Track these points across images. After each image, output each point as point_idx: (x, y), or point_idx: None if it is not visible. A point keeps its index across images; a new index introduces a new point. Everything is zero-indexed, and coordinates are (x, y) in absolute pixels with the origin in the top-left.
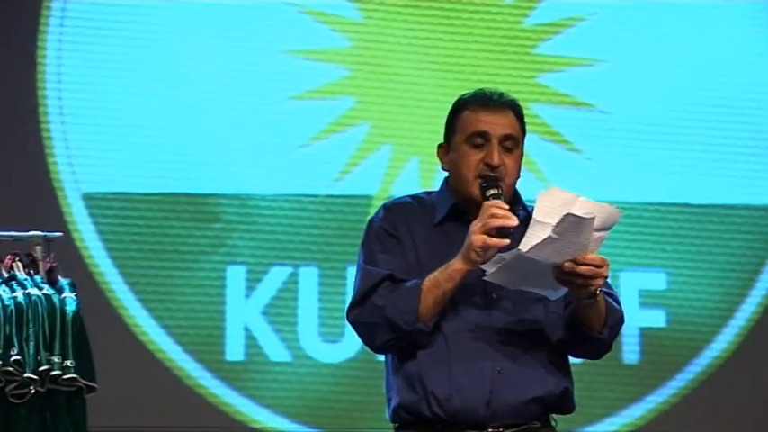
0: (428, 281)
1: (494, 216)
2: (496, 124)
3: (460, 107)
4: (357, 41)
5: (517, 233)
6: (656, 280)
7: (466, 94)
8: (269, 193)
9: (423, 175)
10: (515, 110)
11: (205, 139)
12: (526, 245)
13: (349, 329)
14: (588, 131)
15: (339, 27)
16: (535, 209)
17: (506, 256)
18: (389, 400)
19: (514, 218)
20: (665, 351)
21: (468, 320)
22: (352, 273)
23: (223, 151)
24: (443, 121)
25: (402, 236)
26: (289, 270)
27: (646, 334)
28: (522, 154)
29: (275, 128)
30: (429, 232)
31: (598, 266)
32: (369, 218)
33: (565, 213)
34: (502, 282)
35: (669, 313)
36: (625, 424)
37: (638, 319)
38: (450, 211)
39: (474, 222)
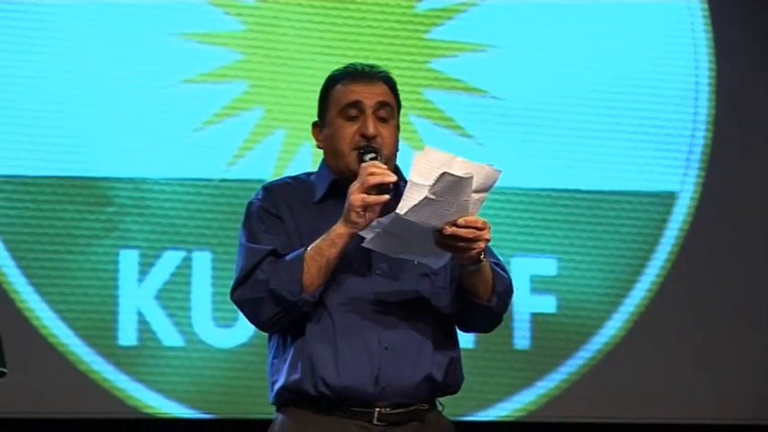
0: (311, 249)
1: (371, 174)
2: (369, 93)
3: (332, 82)
4: (251, 25)
5: (396, 201)
6: (547, 266)
7: (336, 70)
8: (162, 176)
9: (315, 159)
10: (388, 81)
11: (98, 123)
12: (403, 207)
13: (242, 315)
14: (480, 117)
15: (233, 10)
16: (411, 169)
17: (384, 220)
18: (273, 383)
19: (392, 174)
20: (555, 336)
21: (352, 297)
22: None
23: (116, 134)
24: None
25: (283, 215)
26: (182, 254)
27: (536, 319)
28: (398, 126)
29: (168, 111)
30: (310, 210)
31: (479, 229)
32: (248, 200)
33: (441, 173)
34: (382, 249)
35: (560, 299)
36: (516, 409)
37: (529, 304)
38: (330, 187)
39: (352, 184)
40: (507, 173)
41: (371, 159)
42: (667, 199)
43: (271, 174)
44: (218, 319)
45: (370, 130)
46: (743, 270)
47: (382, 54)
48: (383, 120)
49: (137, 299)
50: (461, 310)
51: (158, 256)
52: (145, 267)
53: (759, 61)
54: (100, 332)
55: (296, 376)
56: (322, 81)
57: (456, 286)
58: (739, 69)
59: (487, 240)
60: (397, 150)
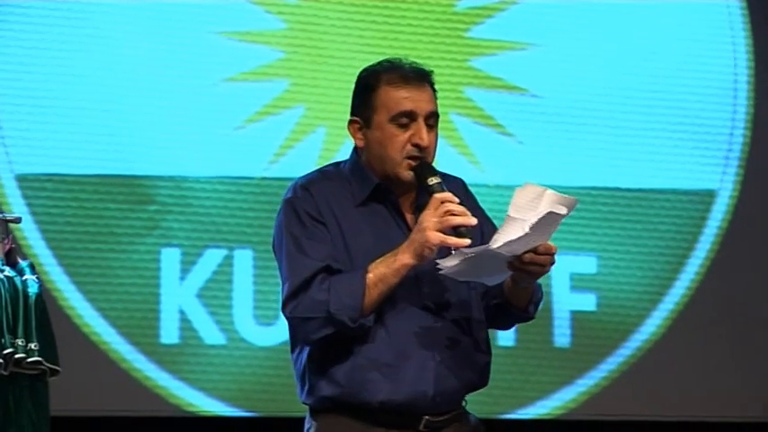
0: (373, 275)
1: (450, 213)
2: (421, 101)
3: (377, 81)
4: (292, 23)
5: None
6: (587, 264)
7: (372, 66)
8: (204, 175)
9: None
10: (431, 82)
11: (140, 121)
12: (498, 241)
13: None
14: (521, 115)
15: (274, 9)
16: (511, 204)
17: (469, 252)
18: (311, 388)
19: (473, 217)
20: (595, 334)
21: (402, 309)
22: None
23: (158, 133)
24: None
25: (326, 219)
26: (223, 252)
27: (576, 317)
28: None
29: (210, 110)
30: (352, 214)
31: (552, 254)
32: (284, 197)
33: (547, 212)
34: (453, 274)
35: (599, 297)
36: (556, 407)
37: (569, 302)
38: (373, 191)
39: (425, 216)
40: (546, 171)
41: (437, 183)
42: (706, 197)
43: None
44: (260, 317)
45: (425, 141)
46: None
47: (422, 52)
48: (430, 127)
49: (178, 297)
50: (497, 316)
51: (200, 255)
52: (186, 265)
53: None
54: (142, 330)
55: (345, 389)
56: None
57: (497, 297)
58: None
59: (554, 263)
60: (435, 153)
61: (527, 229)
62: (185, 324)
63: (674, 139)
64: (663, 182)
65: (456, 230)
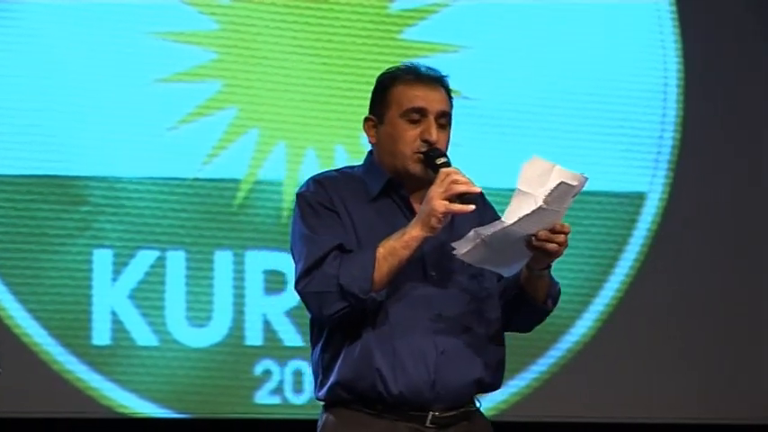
0: (383, 248)
1: (455, 182)
2: (433, 100)
3: (392, 80)
4: (225, 24)
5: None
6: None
7: (392, 68)
8: (136, 175)
9: (290, 159)
10: (445, 85)
11: (72, 121)
12: (511, 216)
13: (216, 314)
14: (454, 118)
15: (207, 9)
16: (519, 178)
17: (484, 231)
18: (324, 379)
19: (477, 186)
20: (525, 335)
21: (409, 299)
22: (219, 257)
23: (91, 133)
24: (310, 104)
25: (338, 209)
26: (156, 254)
27: None
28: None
29: (143, 110)
30: (364, 208)
31: (566, 233)
32: (297, 191)
33: (559, 182)
34: (473, 260)
35: None
36: (487, 408)
37: None
38: (385, 186)
39: (432, 188)
40: (479, 173)
41: (444, 164)
42: (636, 199)
43: (245, 173)
44: (192, 318)
45: (434, 136)
46: (710, 270)
47: (356, 54)
48: (441, 126)
49: (110, 298)
50: (516, 311)
51: (132, 256)
52: (119, 267)
53: (726, 62)
54: (74, 332)
55: (353, 375)
56: (295, 80)
57: (512, 288)
58: (707, 71)
59: (566, 246)
60: None
61: (540, 203)
62: (117, 325)
63: (604, 142)
64: (593, 184)
65: (461, 198)
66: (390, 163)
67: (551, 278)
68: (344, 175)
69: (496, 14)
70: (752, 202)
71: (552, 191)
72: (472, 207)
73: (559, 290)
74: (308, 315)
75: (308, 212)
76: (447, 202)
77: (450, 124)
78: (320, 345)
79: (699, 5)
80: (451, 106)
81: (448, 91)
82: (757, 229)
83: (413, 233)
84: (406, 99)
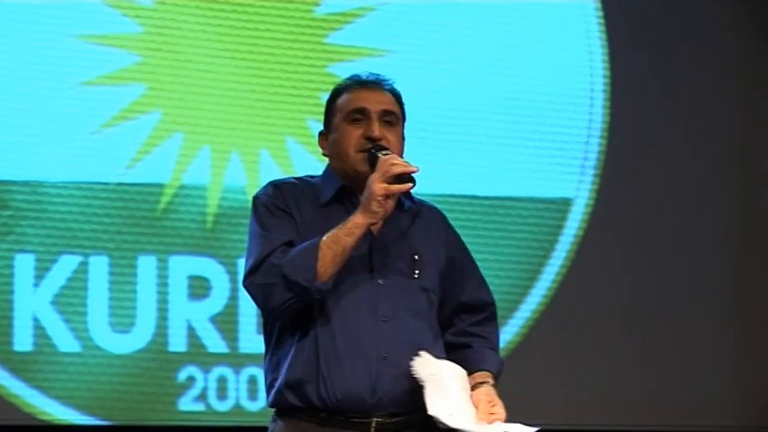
0: (327, 237)
1: (393, 164)
2: (375, 101)
3: (338, 92)
4: (149, 27)
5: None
6: None
7: (343, 80)
8: (59, 180)
9: (214, 163)
10: (393, 92)
11: None
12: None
13: (140, 320)
14: None
15: (131, 12)
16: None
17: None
18: (273, 382)
19: (414, 165)
20: None
21: (352, 307)
22: (143, 262)
23: (13, 137)
24: (235, 108)
25: (293, 212)
26: (79, 259)
27: None
28: (403, 135)
29: (66, 113)
30: (315, 212)
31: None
32: (253, 195)
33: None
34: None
35: None
36: None
37: None
38: (338, 192)
39: (372, 175)
40: None
41: (384, 154)
42: (562, 205)
43: (169, 177)
44: (115, 324)
45: (376, 132)
46: (636, 276)
47: (281, 58)
48: (389, 124)
49: (32, 304)
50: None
51: (54, 261)
52: (41, 272)
53: (652, 69)
54: None
55: (299, 376)
56: (220, 84)
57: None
58: (633, 77)
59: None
60: (401, 156)
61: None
62: (39, 331)
63: (530, 147)
64: (519, 190)
65: (399, 179)
66: (341, 168)
67: (494, 362)
68: (302, 181)
69: (422, 18)
70: (677, 207)
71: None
72: (410, 185)
73: (501, 364)
74: (237, 322)
75: (263, 213)
76: (385, 185)
77: (399, 123)
78: (270, 349)
79: (625, 9)
80: (400, 106)
81: (397, 96)
82: (683, 234)
83: (356, 220)
84: (347, 103)
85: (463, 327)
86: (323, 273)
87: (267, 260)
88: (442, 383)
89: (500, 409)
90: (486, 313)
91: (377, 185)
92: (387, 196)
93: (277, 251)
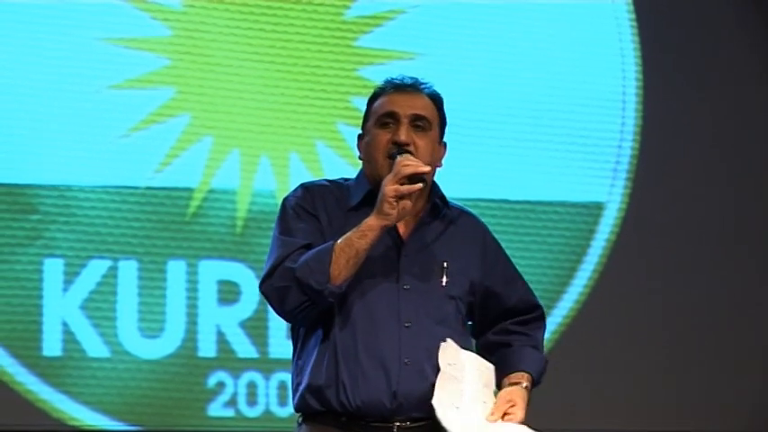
0: (341, 240)
1: (405, 165)
2: (405, 104)
3: (375, 95)
4: (178, 30)
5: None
6: None
7: (381, 84)
8: (88, 184)
9: (244, 167)
10: (431, 94)
11: (22, 128)
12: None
13: (169, 325)
14: None
15: (159, 15)
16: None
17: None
18: (297, 386)
19: (425, 165)
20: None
21: (377, 309)
22: (172, 266)
23: (41, 141)
24: (264, 112)
25: (319, 214)
26: (108, 263)
27: None
28: (440, 141)
29: (94, 117)
30: (344, 216)
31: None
32: (283, 197)
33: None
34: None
35: None
36: None
37: None
38: (366, 196)
39: (386, 179)
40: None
41: (400, 153)
42: (595, 209)
43: (198, 181)
44: (144, 329)
45: (402, 136)
46: (670, 280)
47: (310, 61)
48: (420, 128)
49: (61, 309)
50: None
51: (83, 266)
52: (70, 276)
53: (685, 71)
54: (23, 343)
55: (320, 381)
56: (249, 87)
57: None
58: (666, 80)
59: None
60: (436, 165)
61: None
62: (68, 336)
63: (562, 151)
64: (551, 194)
65: (411, 179)
66: (370, 173)
67: (538, 360)
68: (334, 184)
69: (452, 21)
70: (710, 211)
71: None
72: (419, 186)
73: (545, 366)
74: (266, 327)
75: (288, 215)
76: (397, 185)
77: (432, 129)
78: (296, 353)
79: (658, 10)
80: (438, 110)
81: (435, 100)
82: (716, 238)
83: (369, 222)
84: (380, 107)
85: (505, 325)
86: (336, 276)
87: (282, 264)
88: (460, 375)
89: (517, 411)
90: (532, 314)
91: (388, 187)
92: (398, 197)
93: (294, 254)
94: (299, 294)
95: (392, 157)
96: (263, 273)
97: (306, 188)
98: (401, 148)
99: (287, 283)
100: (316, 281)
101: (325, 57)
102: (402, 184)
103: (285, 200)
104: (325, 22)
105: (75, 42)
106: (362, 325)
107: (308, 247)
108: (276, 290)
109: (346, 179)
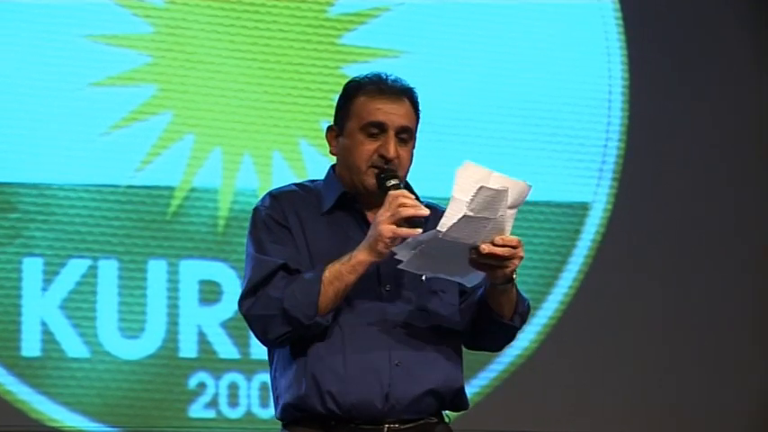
0: (329, 272)
1: (403, 205)
2: (394, 114)
3: (354, 90)
4: (160, 27)
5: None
6: None
7: (358, 77)
8: (68, 182)
9: (226, 165)
10: (411, 98)
11: (1, 126)
12: (444, 224)
13: (150, 325)
14: None
15: (141, 12)
16: (454, 185)
17: (423, 238)
18: (277, 398)
19: (425, 208)
20: (467, 350)
21: (362, 314)
22: (153, 266)
23: (20, 139)
24: (247, 110)
25: (291, 224)
26: (88, 263)
27: None
28: (414, 145)
29: (75, 115)
30: (317, 221)
31: (514, 247)
32: (254, 206)
33: (479, 187)
34: (417, 269)
35: None
36: None
37: None
38: (339, 199)
39: (380, 213)
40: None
41: (395, 186)
42: (580, 209)
43: (180, 180)
44: (125, 329)
45: (391, 152)
46: (655, 281)
47: (294, 59)
48: (402, 141)
49: (40, 308)
50: (482, 328)
51: (63, 265)
52: (49, 276)
53: (672, 70)
54: (2, 343)
55: (301, 392)
56: (231, 85)
57: (479, 303)
58: (652, 79)
59: (521, 258)
60: (409, 167)
61: (466, 211)
62: (47, 336)
63: (547, 150)
64: (536, 194)
65: (409, 222)
66: (347, 176)
67: (518, 294)
68: (302, 188)
69: (437, 19)
70: (696, 211)
71: (474, 197)
72: (419, 231)
73: (529, 306)
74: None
75: (260, 228)
76: (394, 227)
77: (413, 138)
78: (274, 362)
79: (644, 10)
80: (416, 120)
81: (414, 103)
82: (702, 238)
83: (359, 257)
84: (366, 112)
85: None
86: (323, 308)
87: (265, 289)
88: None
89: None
90: None
91: (385, 227)
92: (394, 239)
93: (275, 279)
94: (283, 325)
95: (381, 175)
96: (241, 291)
97: (274, 197)
98: (388, 169)
99: (272, 312)
100: (304, 315)
101: (308, 54)
102: (399, 225)
103: (255, 210)
104: (308, 19)
105: (56, 39)
106: (349, 329)
107: (285, 267)
108: (260, 318)
109: (313, 181)
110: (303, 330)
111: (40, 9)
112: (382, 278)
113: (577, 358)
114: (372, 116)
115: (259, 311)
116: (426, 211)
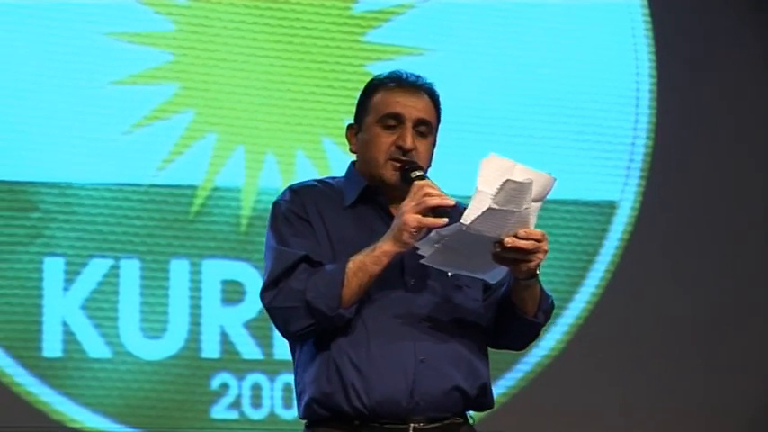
0: (353, 263)
1: (428, 195)
2: (411, 107)
3: (374, 88)
4: (182, 25)
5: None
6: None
7: (380, 75)
8: (89, 181)
9: (248, 164)
10: (431, 94)
11: (23, 125)
12: (468, 217)
13: (172, 325)
14: None
15: (163, 9)
16: (478, 177)
17: (445, 232)
18: (300, 394)
19: (450, 198)
20: (493, 349)
21: (386, 306)
22: (175, 266)
23: (42, 137)
24: (270, 108)
25: (312, 218)
26: (109, 262)
27: None
28: (435, 142)
29: (96, 113)
30: (339, 215)
31: (538, 240)
32: (274, 200)
33: (504, 180)
34: (440, 264)
35: None
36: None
37: None
38: (362, 193)
39: (405, 202)
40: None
41: (419, 177)
42: (607, 208)
43: (202, 179)
44: (147, 329)
45: (408, 143)
46: (682, 280)
47: (317, 56)
48: (421, 135)
49: (62, 309)
50: (505, 325)
51: (85, 264)
52: (71, 276)
53: (700, 69)
54: (23, 343)
55: (327, 389)
56: (254, 83)
57: (502, 299)
58: (680, 77)
59: (545, 252)
60: (429, 166)
61: (490, 203)
62: (69, 337)
63: (575, 149)
64: (563, 192)
65: (435, 212)
66: (367, 171)
67: (542, 290)
68: (323, 184)
69: (462, 16)
70: (724, 211)
71: (499, 190)
72: (445, 220)
73: (552, 303)
74: (271, 327)
75: (280, 222)
76: (419, 216)
77: (432, 133)
78: (297, 359)
79: (672, 7)
80: (437, 115)
81: (434, 98)
82: (731, 238)
83: (384, 248)
84: (383, 105)
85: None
86: (347, 300)
87: (287, 281)
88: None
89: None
90: None
91: (410, 216)
92: (420, 228)
93: (297, 270)
94: (306, 317)
95: (400, 171)
96: (263, 284)
97: (294, 191)
98: (410, 161)
99: (294, 304)
100: (327, 306)
101: (332, 52)
102: (424, 215)
103: (275, 205)
104: (332, 16)
105: (77, 37)
106: (373, 323)
107: (307, 258)
108: (282, 310)
109: (334, 177)
110: (326, 323)
111: (61, 8)
112: (406, 270)
113: (604, 358)
114: (390, 108)
115: (281, 303)
116: (452, 201)
